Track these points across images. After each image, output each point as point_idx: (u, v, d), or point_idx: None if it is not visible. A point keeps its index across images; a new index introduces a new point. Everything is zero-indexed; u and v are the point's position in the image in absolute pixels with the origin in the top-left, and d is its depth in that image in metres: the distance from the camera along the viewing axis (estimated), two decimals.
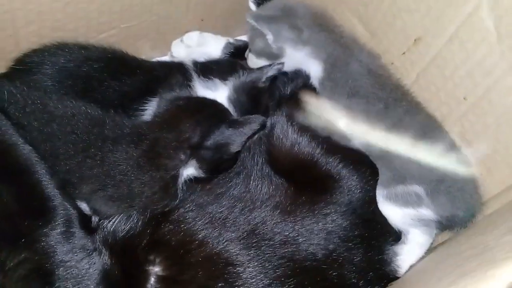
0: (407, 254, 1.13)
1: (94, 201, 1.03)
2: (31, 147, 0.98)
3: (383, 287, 1.13)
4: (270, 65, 1.25)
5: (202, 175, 1.11)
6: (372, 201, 1.12)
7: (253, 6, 1.30)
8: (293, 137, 1.13)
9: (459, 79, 1.13)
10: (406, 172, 1.10)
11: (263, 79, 1.24)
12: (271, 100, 1.29)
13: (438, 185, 1.09)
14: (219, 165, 1.12)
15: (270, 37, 1.21)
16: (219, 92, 1.27)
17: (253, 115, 1.13)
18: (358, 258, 1.08)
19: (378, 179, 1.13)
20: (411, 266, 1.14)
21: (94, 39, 1.33)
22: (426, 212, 1.09)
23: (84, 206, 1.05)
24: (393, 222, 1.13)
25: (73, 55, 1.22)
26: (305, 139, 1.13)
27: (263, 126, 1.15)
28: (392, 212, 1.12)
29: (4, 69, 1.24)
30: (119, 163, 1.02)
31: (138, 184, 1.02)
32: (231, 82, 1.26)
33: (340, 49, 1.21)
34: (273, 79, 1.28)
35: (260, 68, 1.26)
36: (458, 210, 1.09)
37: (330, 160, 1.12)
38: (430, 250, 1.21)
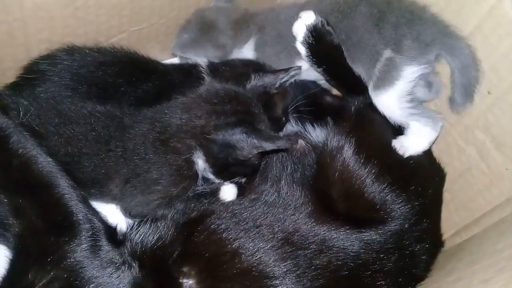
0: (409, 142, 1.14)
1: (124, 197, 1.02)
2: (51, 159, 0.95)
3: None
4: (287, 70, 1.21)
5: (210, 174, 1.07)
6: (416, 213, 1.11)
7: (303, 51, 1.22)
8: (348, 155, 1.10)
9: (483, 73, 1.10)
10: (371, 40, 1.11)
11: (277, 85, 1.19)
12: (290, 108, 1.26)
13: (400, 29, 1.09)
14: (228, 168, 1.06)
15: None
16: None
17: (285, 136, 1.11)
18: (389, 267, 1.06)
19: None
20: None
21: (104, 44, 1.31)
22: (409, 70, 1.08)
23: (112, 210, 1.03)
24: (395, 113, 1.12)
25: (86, 59, 1.20)
26: (360, 159, 1.09)
27: (283, 150, 1.11)
28: (387, 99, 1.10)
29: (15, 78, 1.21)
30: (138, 150, 1.01)
31: (157, 168, 1.01)
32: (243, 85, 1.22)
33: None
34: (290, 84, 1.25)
35: (276, 73, 1.21)
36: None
37: (378, 186, 1.09)
38: (456, 248, 1.21)
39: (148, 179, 1.02)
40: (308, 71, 1.29)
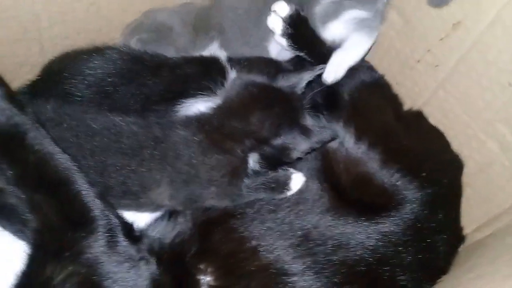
0: (340, 57, 1.18)
1: (170, 205, 1.01)
2: (68, 156, 0.94)
3: (432, 284, 1.10)
4: (308, 70, 1.17)
5: (257, 169, 1.06)
6: (430, 202, 1.09)
7: (284, 42, 1.23)
8: (349, 145, 1.09)
9: (503, 64, 1.09)
10: None
11: (302, 85, 1.16)
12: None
13: None
14: (277, 165, 1.08)
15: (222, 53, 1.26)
16: None
17: (326, 129, 1.08)
18: (408, 260, 1.05)
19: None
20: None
21: (118, 39, 1.30)
22: (354, 12, 1.14)
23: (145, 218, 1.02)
24: (340, 35, 1.17)
25: (88, 62, 1.16)
26: (363, 147, 1.09)
27: (332, 140, 1.10)
28: (334, 28, 1.17)
29: (29, 73, 1.20)
30: (180, 154, 0.99)
31: (206, 170, 0.99)
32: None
33: None
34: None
35: (298, 73, 1.17)
36: None
37: (387, 171, 1.08)
38: (477, 244, 1.19)
39: (200, 182, 1.00)
40: (282, 52, 1.30)
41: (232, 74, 1.16)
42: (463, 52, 1.16)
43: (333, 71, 1.19)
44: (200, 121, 1.04)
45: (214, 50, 1.32)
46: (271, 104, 1.05)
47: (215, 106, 1.06)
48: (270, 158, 1.05)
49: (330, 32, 1.18)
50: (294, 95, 1.09)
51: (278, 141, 1.02)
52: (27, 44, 1.19)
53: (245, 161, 1.03)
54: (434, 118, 1.28)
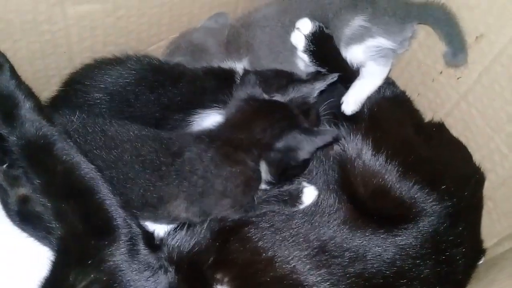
0: (357, 87, 1.21)
1: (186, 217, 1.04)
2: (94, 166, 0.98)
3: None
4: (321, 78, 1.21)
5: (270, 179, 1.10)
6: (449, 215, 1.08)
7: (306, 58, 1.26)
8: (367, 157, 1.09)
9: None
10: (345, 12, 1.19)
11: (314, 94, 1.20)
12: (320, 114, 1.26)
13: (375, 9, 1.16)
14: (287, 171, 1.10)
15: (239, 66, 1.30)
16: None
17: (328, 128, 1.12)
18: (426, 273, 1.04)
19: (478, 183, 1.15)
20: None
21: (144, 51, 1.34)
22: (380, 40, 1.16)
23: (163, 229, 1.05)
24: (359, 59, 1.19)
25: (108, 71, 1.21)
26: (380, 160, 1.09)
27: (335, 140, 1.13)
28: (355, 51, 1.18)
29: (58, 85, 1.25)
30: (196, 169, 1.03)
31: (220, 182, 1.03)
32: (279, 97, 1.20)
33: None
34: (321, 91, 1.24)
35: (311, 82, 1.21)
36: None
37: (405, 184, 1.07)
38: (498, 257, 1.18)
39: (215, 194, 1.04)
40: (310, 67, 1.31)
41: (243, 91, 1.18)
42: (486, 64, 1.15)
43: (352, 102, 1.21)
44: (210, 137, 1.08)
45: (244, 66, 1.35)
46: (270, 113, 1.09)
47: (221, 122, 1.11)
48: (278, 163, 1.07)
49: (351, 54, 1.20)
50: (289, 105, 1.13)
51: (281, 144, 1.06)
52: (58, 58, 1.23)
53: (257, 172, 1.07)
54: (456, 130, 1.27)
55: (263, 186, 1.10)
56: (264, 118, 1.08)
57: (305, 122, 1.12)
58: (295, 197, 1.08)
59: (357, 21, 1.16)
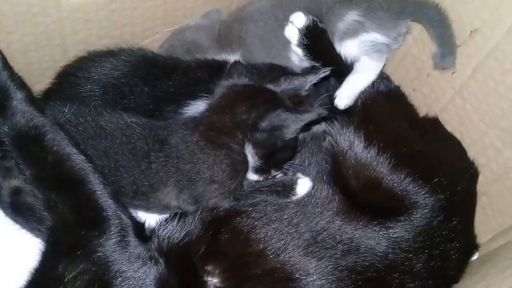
0: (351, 82, 1.20)
1: (177, 205, 1.04)
2: (84, 157, 0.98)
3: None
4: (314, 72, 1.21)
5: (258, 164, 1.10)
6: (442, 208, 1.07)
7: (300, 52, 1.26)
8: (359, 149, 1.09)
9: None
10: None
11: (306, 87, 1.20)
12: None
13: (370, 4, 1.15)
14: (274, 153, 1.10)
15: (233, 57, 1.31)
16: None
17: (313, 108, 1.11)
18: (418, 268, 1.04)
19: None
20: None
21: (138, 45, 1.34)
22: (374, 35, 1.16)
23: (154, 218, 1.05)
24: (353, 54, 1.19)
25: (102, 63, 1.21)
26: (372, 152, 1.08)
27: (321, 117, 1.12)
28: (349, 46, 1.18)
29: (52, 77, 1.26)
30: (182, 155, 1.03)
31: (206, 167, 1.03)
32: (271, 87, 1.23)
33: None
34: (315, 84, 1.24)
35: (303, 75, 1.22)
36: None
37: (396, 176, 1.07)
38: (492, 253, 1.17)
39: (202, 179, 1.04)
40: (304, 61, 1.31)
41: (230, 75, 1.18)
42: (480, 59, 1.15)
43: (345, 96, 1.21)
44: (194, 122, 1.08)
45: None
46: (254, 95, 1.09)
47: (205, 108, 1.11)
48: (263, 143, 1.07)
49: (345, 49, 1.20)
50: (275, 91, 1.14)
51: (265, 123, 1.05)
52: (52, 50, 1.23)
53: (243, 154, 1.07)
54: (451, 125, 1.26)
55: (255, 176, 1.10)
56: (247, 99, 1.08)
57: (289, 103, 1.12)
58: (289, 187, 1.08)
59: (351, 16, 1.16)
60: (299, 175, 1.11)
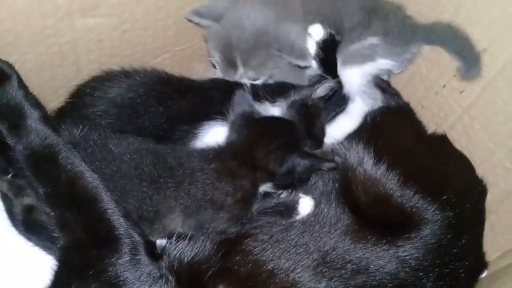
0: (341, 123, 1.26)
1: (181, 231, 1.05)
2: (97, 176, 0.99)
3: None
4: (321, 82, 1.23)
5: (273, 191, 1.14)
6: (452, 226, 1.07)
7: (314, 63, 1.27)
8: (368, 166, 1.10)
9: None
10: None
11: (313, 95, 1.22)
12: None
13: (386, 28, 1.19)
14: (287, 186, 1.15)
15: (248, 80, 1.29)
16: (272, 112, 1.26)
17: (328, 159, 1.15)
18: (429, 286, 1.03)
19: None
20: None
21: (149, 63, 1.36)
22: (383, 61, 1.21)
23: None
24: (352, 86, 1.24)
25: (118, 83, 1.23)
26: (382, 168, 1.09)
27: (333, 168, 1.16)
28: (352, 73, 1.22)
29: (65, 95, 1.28)
30: (196, 182, 1.05)
31: (219, 195, 1.05)
32: (284, 103, 1.25)
33: None
34: (328, 98, 1.27)
35: (311, 85, 1.25)
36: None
37: (406, 192, 1.07)
38: (501, 271, 1.17)
39: (213, 206, 1.05)
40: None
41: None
42: (489, 78, 1.16)
43: (332, 136, 1.24)
44: (215, 151, 1.11)
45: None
46: (272, 139, 1.12)
47: (224, 141, 1.15)
48: (280, 184, 1.12)
49: (347, 75, 1.24)
50: (292, 124, 1.18)
51: (283, 170, 1.10)
52: (65, 69, 1.25)
53: (256, 187, 1.08)
54: (459, 143, 1.27)
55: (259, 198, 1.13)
56: (266, 146, 1.11)
57: (305, 142, 1.16)
58: (291, 208, 1.09)
59: (370, 40, 1.20)
60: (301, 194, 1.12)
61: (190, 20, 1.24)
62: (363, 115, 1.23)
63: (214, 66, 1.28)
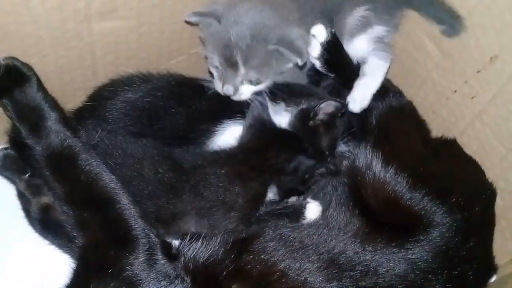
0: (362, 85, 1.27)
1: (194, 231, 1.07)
2: (114, 177, 1.02)
3: None
4: (325, 99, 1.25)
5: (275, 198, 1.16)
6: (460, 228, 1.08)
7: (317, 63, 1.28)
8: (377, 169, 1.11)
9: None
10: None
11: (316, 109, 1.24)
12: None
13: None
14: (292, 191, 1.18)
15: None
16: (283, 117, 1.28)
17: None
18: None
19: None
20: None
21: (165, 65, 1.38)
22: (378, 27, 1.26)
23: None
24: (362, 51, 1.28)
25: (137, 87, 1.25)
26: (391, 171, 1.10)
27: (335, 172, 1.22)
28: (359, 41, 1.27)
29: (82, 97, 1.30)
30: (210, 185, 1.08)
31: (231, 196, 1.08)
32: (294, 109, 1.27)
33: None
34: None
35: (316, 100, 1.26)
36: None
37: (415, 195, 1.08)
38: (510, 276, 1.18)
39: (224, 207, 1.09)
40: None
41: (267, 100, 1.27)
42: (500, 84, 1.17)
43: (359, 99, 1.25)
44: (227, 155, 1.15)
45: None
46: (281, 141, 1.19)
47: (236, 144, 1.19)
48: (286, 184, 1.16)
49: (354, 47, 1.28)
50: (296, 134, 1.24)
51: (291, 167, 1.15)
52: (83, 71, 1.28)
53: (265, 189, 1.12)
54: (470, 149, 1.28)
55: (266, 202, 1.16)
56: (277, 145, 1.18)
57: (308, 148, 1.23)
58: (298, 212, 1.11)
59: (359, 12, 1.24)
60: (309, 199, 1.14)
61: (188, 22, 1.24)
62: (381, 69, 1.27)
63: (211, 74, 1.28)
